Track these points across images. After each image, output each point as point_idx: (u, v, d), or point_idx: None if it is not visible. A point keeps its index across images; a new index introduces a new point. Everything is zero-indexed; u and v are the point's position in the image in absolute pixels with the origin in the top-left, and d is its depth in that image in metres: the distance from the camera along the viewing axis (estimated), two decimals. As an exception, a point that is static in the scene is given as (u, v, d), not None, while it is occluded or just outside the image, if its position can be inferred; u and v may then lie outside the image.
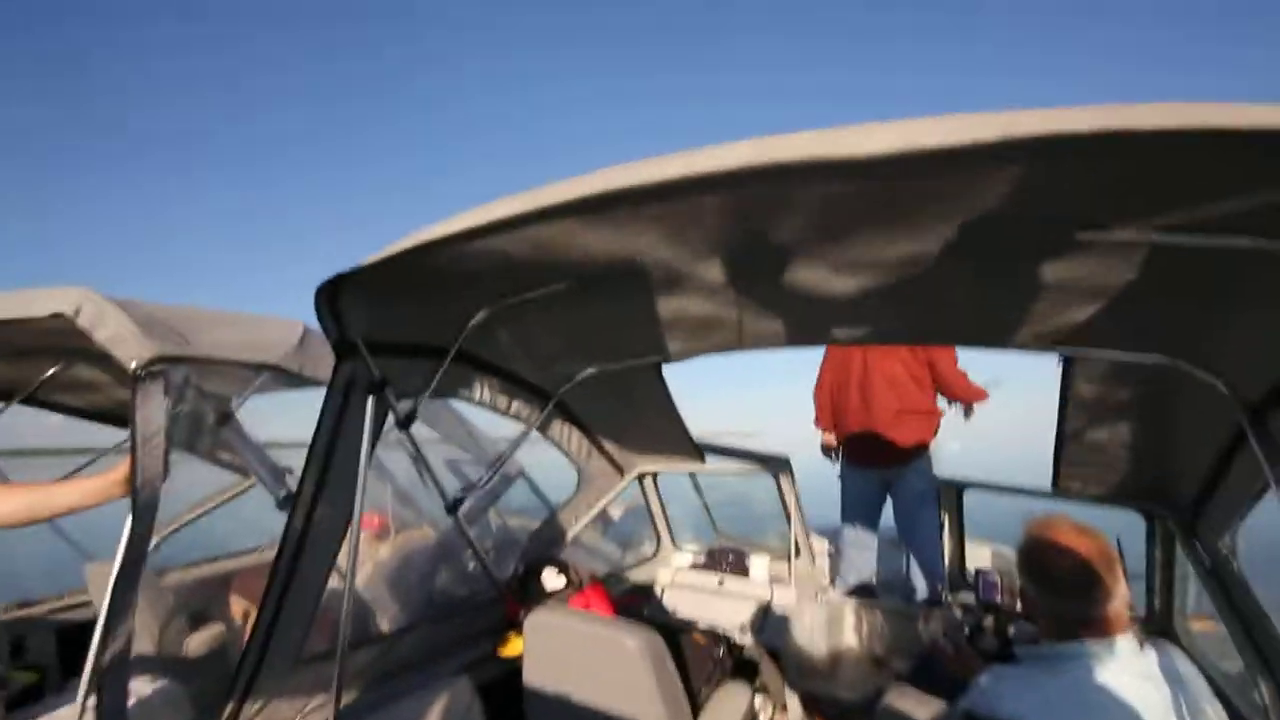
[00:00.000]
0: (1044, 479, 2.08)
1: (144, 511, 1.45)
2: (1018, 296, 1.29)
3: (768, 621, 2.58)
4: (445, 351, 1.72)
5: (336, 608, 1.51)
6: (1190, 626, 1.95)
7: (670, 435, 2.51)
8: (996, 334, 1.50)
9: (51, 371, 2.29)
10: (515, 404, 2.11)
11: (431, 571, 2.36)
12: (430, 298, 1.53)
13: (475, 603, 2.05)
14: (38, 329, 1.62)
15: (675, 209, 1.01)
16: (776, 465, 2.68)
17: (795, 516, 2.73)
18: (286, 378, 1.94)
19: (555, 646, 1.61)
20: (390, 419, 1.63)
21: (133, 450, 1.44)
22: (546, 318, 1.75)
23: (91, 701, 1.40)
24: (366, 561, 3.24)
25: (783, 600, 2.58)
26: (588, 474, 2.51)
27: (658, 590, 2.80)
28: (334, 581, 1.60)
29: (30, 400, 2.52)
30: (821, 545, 3.24)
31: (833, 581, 3.04)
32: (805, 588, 2.65)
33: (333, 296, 1.39)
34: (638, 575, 2.86)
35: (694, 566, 2.96)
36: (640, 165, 0.84)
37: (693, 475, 3.13)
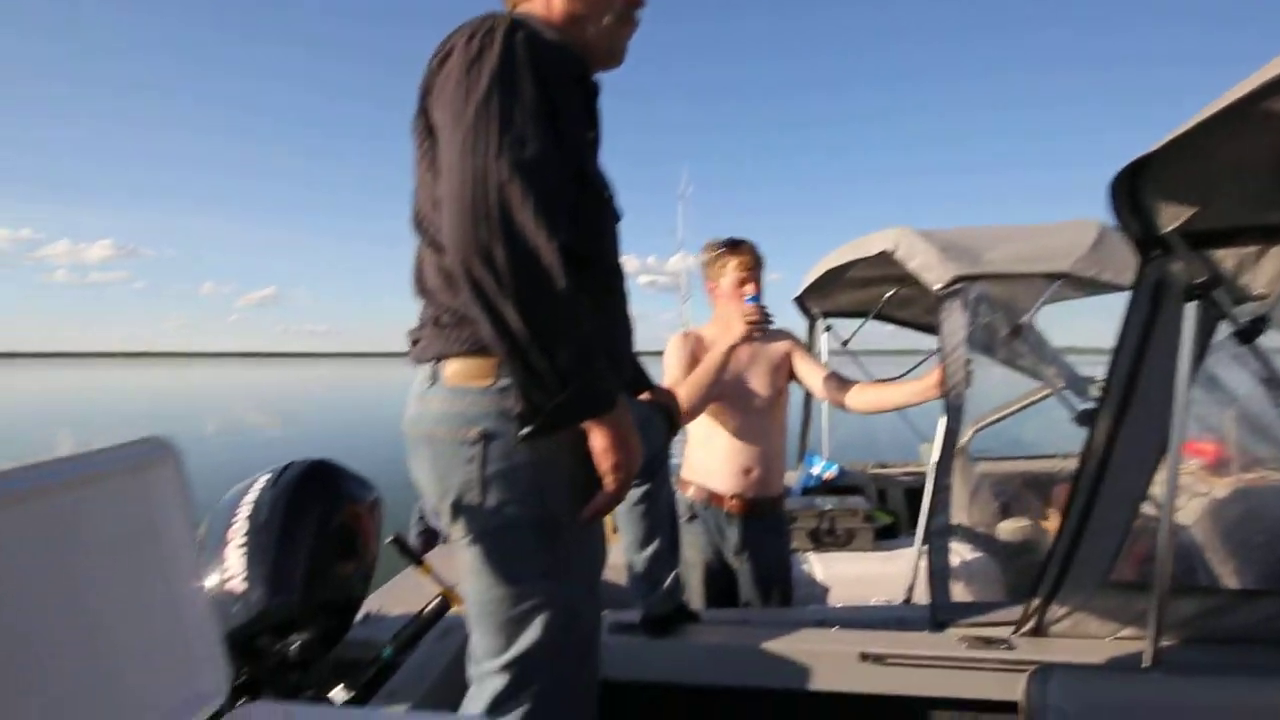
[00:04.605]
0: None
1: (953, 410, 1.71)
2: None
3: None
4: None
5: (1152, 539, 1.33)
6: None
7: None
8: None
9: (890, 293, 2.95)
10: None
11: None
12: None
13: None
14: (875, 260, 2.11)
15: None
16: None
17: None
18: (1081, 284, 1.81)
19: None
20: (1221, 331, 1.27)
21: (942, 360, 1.72)
22: None
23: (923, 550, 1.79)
24: (1194, 496, 2.70)
25: None
26: None
27: None
28: (1151, 509, 1.41)
29: (879, 316, 3.35)
30: None
31: None
32: None
33: (1132, 188, 1.19)
34: None
35: None
36: None
37: None
